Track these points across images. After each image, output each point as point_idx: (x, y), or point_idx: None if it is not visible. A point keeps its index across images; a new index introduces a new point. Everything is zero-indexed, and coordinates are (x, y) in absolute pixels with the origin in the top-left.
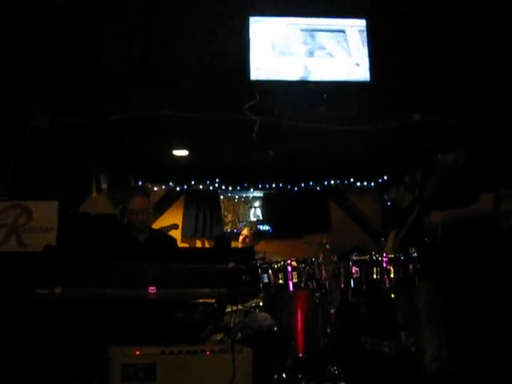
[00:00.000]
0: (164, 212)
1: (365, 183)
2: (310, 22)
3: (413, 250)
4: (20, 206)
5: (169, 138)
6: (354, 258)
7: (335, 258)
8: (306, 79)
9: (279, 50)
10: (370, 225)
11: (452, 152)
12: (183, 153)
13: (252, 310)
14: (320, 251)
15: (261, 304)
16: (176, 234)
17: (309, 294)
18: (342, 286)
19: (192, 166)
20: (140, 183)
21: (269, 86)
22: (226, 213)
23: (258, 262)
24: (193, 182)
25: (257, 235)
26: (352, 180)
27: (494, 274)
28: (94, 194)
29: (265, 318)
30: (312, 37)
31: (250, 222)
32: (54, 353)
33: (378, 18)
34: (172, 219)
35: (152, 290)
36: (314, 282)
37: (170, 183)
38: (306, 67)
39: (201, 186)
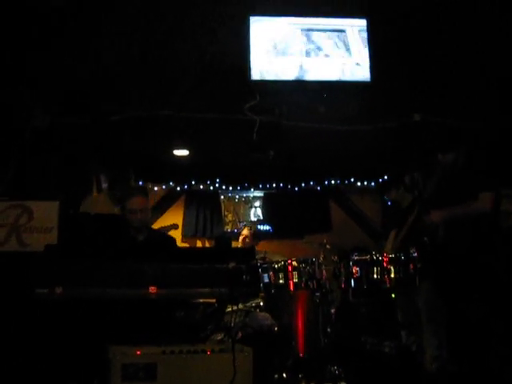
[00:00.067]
0: (164, 212)
1: (365, 183)
2: (311, 22)
3: (413, 249)
4: (21, 206)
5: (169, 138)
6: (355, 257)
7: (336, 258)
8: (306, 79)
9: (280, 50)
10: (371, 225)
11: (451, 152)
12: (183, 153)
13: (252, 309)
14: (320, 251)
15: (261, 304)
16: (176, 233)
17: (309, 293)
18: (343, 285)
19: (192, 166)
20: (140, 183)
21: (269, 86)
22: (226, 213)
23: (259, 261)
24: (193, 182)
25: (257, 235)
26: (352, 180)
27: (494, 274)
28: (95, 194)
29: (265, 317)
30: (312, 36)
31: (251, 221)
32: (54, 353)
33: (378, 18)
34: (172, 219)
35: (152, 289)
36: (315, 282)
37: (171, 183)
38: (306, 67)
39: (201, 186)
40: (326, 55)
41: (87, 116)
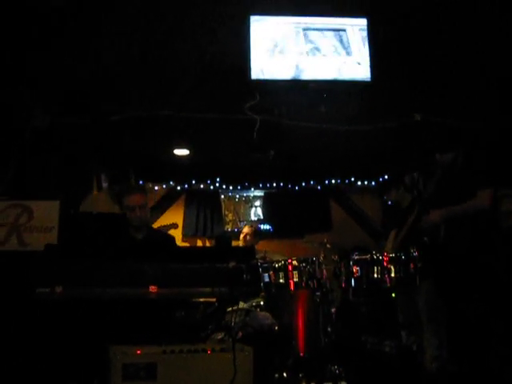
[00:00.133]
0: (165, 211)
1: (365, 182)
2: (311, 21)
3: (413, 249)
4: (21, 206)
5: (169, 138)
6: (355, 257)
7: (336, 258)
8: (306, 78)
9: (280, 49)
10: (371, 224)
11: (450, 152)
12: (184, 152)
13: (253, 309)
14: (321, 250)
15: (262, 303)
16: (176, 233)
17: (309, 293)
18: (343, 285)
19: (193, 166)
20: (141, 182)
21: (269, 86)
22: (226, 212)
23: (259, 261)
24: (193, 182)
25: (258, 233)
26: (353, 179)
27: (494, 274)
28: (95, 192)
29: (266, 317)
30: (312, 36)
31: (251, 221)
32: (54, 352)
33: (379, 18)
34: (173, 218)
35: (153, 289)
36: (315, 282)
37: (171, 182)
38: (306, 66)
39: (201, 186)
40: (326, 55)
41: (87, 116)
